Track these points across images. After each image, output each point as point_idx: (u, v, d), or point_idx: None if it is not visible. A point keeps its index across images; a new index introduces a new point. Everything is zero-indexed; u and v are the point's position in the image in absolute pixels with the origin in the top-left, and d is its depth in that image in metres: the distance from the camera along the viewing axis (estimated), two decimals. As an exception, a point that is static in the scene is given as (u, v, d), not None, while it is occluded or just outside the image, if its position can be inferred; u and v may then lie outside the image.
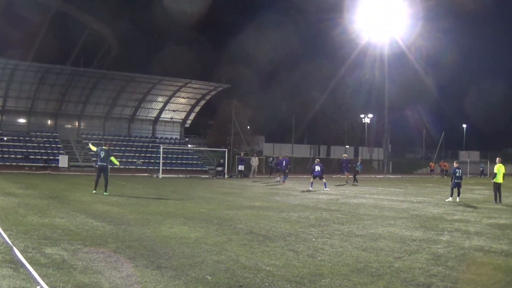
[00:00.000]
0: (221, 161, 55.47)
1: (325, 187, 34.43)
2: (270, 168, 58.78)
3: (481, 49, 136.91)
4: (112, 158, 27.76)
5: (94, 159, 58.82)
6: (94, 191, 26.48)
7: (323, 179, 35.25)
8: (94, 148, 29.10)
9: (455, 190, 27.53)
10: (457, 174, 27.38)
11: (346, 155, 47.54)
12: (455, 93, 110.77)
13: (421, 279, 9.26)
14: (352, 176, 42.57)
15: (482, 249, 12.44)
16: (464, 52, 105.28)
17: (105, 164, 27.22)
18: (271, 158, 56.68)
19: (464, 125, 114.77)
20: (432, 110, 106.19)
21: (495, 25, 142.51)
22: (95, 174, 28.05)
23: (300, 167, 74.59)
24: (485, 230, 16.09)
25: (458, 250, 12.19)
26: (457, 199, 26.92)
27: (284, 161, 44.18)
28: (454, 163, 28.75)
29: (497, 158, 28.03)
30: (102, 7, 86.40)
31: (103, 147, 27.73)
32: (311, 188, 34.46)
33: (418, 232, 15.17)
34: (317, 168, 35.39)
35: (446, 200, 26.97)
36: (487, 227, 16.90)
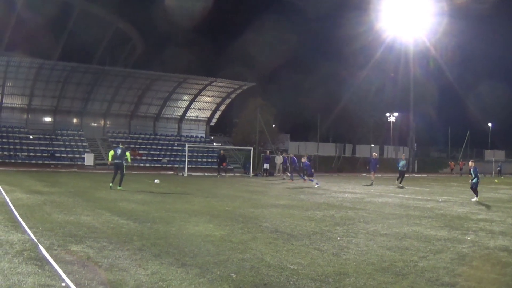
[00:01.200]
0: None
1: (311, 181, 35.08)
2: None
3: (508, 46, 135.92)
4: (127, 154, 29.20)
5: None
6: (110, 185, 28.14)
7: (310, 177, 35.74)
8: (110, 158, 30.17)
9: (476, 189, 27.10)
10: (477, 174, 27.10)
11: (376, 154, 46.66)
12: (481, 91, 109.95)
13: (445, 278, 9.25)
14: (399, 178, 41.25)
15: (507, 249, 12.38)
16: (490, 50, 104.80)
17: (120, 161, 28.89)
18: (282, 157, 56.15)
19: (490, 124, 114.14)
20: (457, 108, 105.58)
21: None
22: (127, 172, 28.77)
23: (325, 165, 74.48)
24: (510, 229, 15.99)
25: (483, 250, 12.16)
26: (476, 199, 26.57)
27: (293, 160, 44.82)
28: (470, 162, 28.44)
29: None
30: (126, 6, 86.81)
31: (120, 146, 29.40)
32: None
33: (443, 231, 15.12)
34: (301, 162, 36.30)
35: (473, 200, 26.70)
36: (514, 226, 16.83)
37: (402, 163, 39.85)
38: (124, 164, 29.08)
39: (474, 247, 12.46)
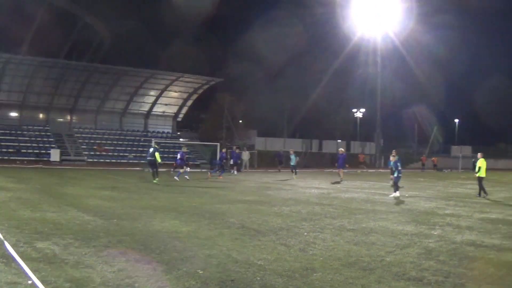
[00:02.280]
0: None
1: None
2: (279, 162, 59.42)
3: (474, 44, 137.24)
4: (156, 154, 31.98)
5: (87, 153, 59.35)
6: (154, 181, 31.24)
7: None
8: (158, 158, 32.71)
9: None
10: (400, 168, 26.83)
11: (342, 150, 46.22)
12: (448, 88, 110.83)
13: (412, 273, 9.29)
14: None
15: (473, 244, 12.47)
16: (457, 47, 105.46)
17: (153, 158, 32.09)
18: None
19: (456, 120, 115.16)
20: (424, 104, 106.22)
21: (489, 20, 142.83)
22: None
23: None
24: (477, 224, 16.14)
25: (450, 245, 12.23)
26: (398, 194, 26.21)
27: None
28: (392, 157, 28.31)
29: (479, 153, 28.16)
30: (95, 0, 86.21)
31: (153, 145, 33.18)
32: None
33: (409, 226, 15.21)
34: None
35: (390, 196, 26.38)
36: (479, 221, 16.95)
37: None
38: (156, 162, 31.91)
39: (441, 242, 12.54)
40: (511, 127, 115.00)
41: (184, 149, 38.27)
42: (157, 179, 31.17)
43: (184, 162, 36.82)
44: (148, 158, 32.70)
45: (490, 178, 27.08)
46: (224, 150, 44.75)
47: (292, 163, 42.03)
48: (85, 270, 8.87)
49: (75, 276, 8.45)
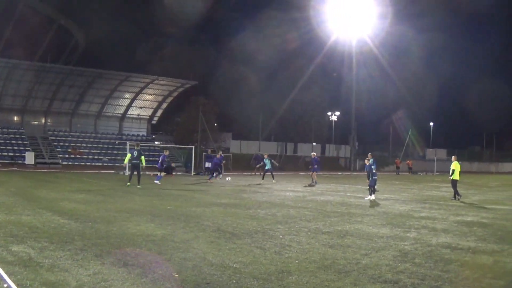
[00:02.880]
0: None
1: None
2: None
3: (450, 48, 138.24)
4: (142, 158, 31.33)
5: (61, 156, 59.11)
6: (128, 184, 30.78)
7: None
8: (126, 161, 32.86)
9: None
10: (374, 171, 26.86)
11: (315, 153, 46.02)
12: (423, 91, 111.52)
13: (388, 275, 9.30)
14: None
15: (449, 246, 12.51)
16: (432, 51, 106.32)
17: (137, 162, 31.28)
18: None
19: (431, 123, 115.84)
20: (399, 108, 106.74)
21: (465, 24, 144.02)
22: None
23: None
24: (452, 227, 16.21)
25: (425, 247, 12.25)
26: (373, 197, 26.11)
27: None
28: (366, 161, 28.22)
29: (453, 156, 28.17)
30: (71, 2, 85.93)
31: (136, 148, 31.60)
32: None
33: (385, 229, 15.24)
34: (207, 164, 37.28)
35: (365, 199, 26.52)
36: (454, 224, 17.02)
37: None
38: (140, 165, 31.32)
39: (416, 244, 12.56)
40: (485, 130, 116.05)
41: (166, 152, 37.85)
42: (138, 186, 30.00)
43: (162, 166, 36.52)
44: (133, 161, 31.45)
45: (464, 181, 27.24)
46: (220, 154, 43.39)
47: (267, 167, 41.64)
48: (60, 273, 8.80)
49: (51, 280, 8.38)
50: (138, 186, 29.80)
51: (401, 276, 9.29)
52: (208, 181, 37.59)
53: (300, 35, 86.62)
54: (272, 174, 41.22)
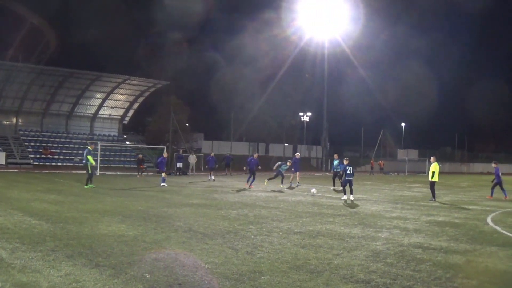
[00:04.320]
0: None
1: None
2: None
3: (422, 48, 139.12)
4: (89, 157, 30.42)
5: (33, 156, 58.81)
6: (86, 186, 29.73)
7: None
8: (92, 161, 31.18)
9: (347, 188, 26.25)
10: (348, 172, 26.38)
11: (299, 154, 45.24)
12: (395, 91, 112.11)
13: (360, 275, 9.32)
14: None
15: (421, 246, 12.58)
16: (404, 51, 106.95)
17: (84, 161, 30.85)
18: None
19: (403, 124, 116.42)
20: (371, 108, 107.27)
21: (438, 24, 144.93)
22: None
23: (238, 164, 74.58)
24: (424, 227, 16.30)
25: (397, 247, 12.31)
26: (351, 198, 25.81)
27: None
28: (344, 160, 27.63)
29: (432, 157, 28.17)
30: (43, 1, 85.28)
31: (87, 147, 31.25)
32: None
33: (356, 229, 15.28)
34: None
35: (342, 198, 26.43)
36: (426, 224, 17.11)
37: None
38: (89, 164, 30.33)
39: (388, 244, 12.61)
40: (457, 131, 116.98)
41: (165, 155, 37.33)
42: (90, 185, 29.79)
43: (163, 168, 35.97)
44: (84, 161, 31.06)
45: (437, 181, 27.26)
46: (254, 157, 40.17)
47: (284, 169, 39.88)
48: (32, 274, 8.78)
49: (22, 281, 8.37)
50: (85, 186, 29.56)
51: (373, 276, 9.32)
52: (250, 187, 35.18)
53: (272, 35, 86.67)
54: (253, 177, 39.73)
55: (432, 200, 26.84)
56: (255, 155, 37.53)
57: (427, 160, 74.68)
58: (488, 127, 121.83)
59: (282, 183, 36.44)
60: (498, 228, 16.62)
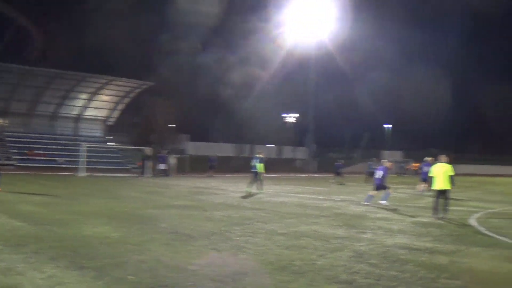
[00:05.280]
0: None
1: None
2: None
3: (405, 50, 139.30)
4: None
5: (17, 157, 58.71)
6: None
7: None
8: None
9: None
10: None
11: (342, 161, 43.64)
12: (380, 93, 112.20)
13: (343, 276, 9.35)
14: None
15: (405, 247, 12.63)
16: (389, 54, 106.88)
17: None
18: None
19: (387, 125, 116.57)
20: (357, 110, 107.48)
21: (420, 26, 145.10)
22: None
23: (225, 165, 74.58)
24: (409, 228, 16.38)
25: (381, 248, 12.36)
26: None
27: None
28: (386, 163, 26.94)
29: (443, 156, 23.70)
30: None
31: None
32: None
33: (340, 230, 15.32)
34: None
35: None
36: (411, 225, 17.19)
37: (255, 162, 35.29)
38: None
39: (372, 245, 12.66)
40: (444, 133, 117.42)
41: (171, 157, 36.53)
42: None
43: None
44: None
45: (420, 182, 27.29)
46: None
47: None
48: (15, 276, 8.76)
49: (6, 283, 8.35)
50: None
51: (356, 276, 9.36)
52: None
53: (260, 37, 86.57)
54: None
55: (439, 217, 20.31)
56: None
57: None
58: (475, 129, 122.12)
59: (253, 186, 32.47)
60: (482, 229, 16.70)
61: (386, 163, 25.88)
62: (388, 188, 24.54)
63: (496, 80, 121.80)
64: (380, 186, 24.39)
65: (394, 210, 21.99)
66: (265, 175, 31.95)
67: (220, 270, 9.64)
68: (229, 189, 34.15)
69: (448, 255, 11.81)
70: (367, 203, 24.06)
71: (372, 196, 24.35)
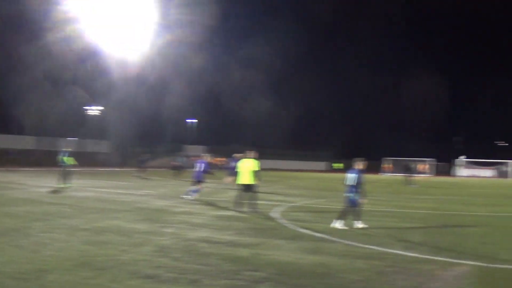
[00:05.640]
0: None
1: None
2: None
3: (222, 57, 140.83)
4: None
5: None
6: None
7: None
8: None
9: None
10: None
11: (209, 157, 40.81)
12: (184, 91, 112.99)
13: (147, 271, 9.44)
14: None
15: (207, 240, 12.92)
16: (193, 56, 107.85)
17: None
18: None
19: (191, 120, 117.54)
20: (158, 105, 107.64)
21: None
22: None
23: (25, 159, 72.54)
24: (211, 221, 16.70)
25: (184, 242, 12.55)
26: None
27: None
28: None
29: (251, 151, 23.36)
30: None
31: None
32: None
33: (143, 224, 15.41)
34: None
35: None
36: (214, 218, 17.54)
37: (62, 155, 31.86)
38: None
39: (174, 239, 12.83)
40: (247, 129, 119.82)
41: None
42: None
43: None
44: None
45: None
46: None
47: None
48: None
49: None
50: None
51: (159, 271, 9.47)
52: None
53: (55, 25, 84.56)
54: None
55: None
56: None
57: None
58: (277, 125, 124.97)
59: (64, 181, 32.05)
60: (283, 221, 17.29)
61: (207, 158, 26.23)
62: (203, 183, 24.83)
63: (298, 76, 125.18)
64: (199, 178, 24.59)
65: (197, 204, 22.27)
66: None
67: (21, 267, 9.44)
68: (29, 183, 33.24)
69: (251, 248, 12.22)
70: (187, 197, 24.34)
71: (196, 190, 24.62)
